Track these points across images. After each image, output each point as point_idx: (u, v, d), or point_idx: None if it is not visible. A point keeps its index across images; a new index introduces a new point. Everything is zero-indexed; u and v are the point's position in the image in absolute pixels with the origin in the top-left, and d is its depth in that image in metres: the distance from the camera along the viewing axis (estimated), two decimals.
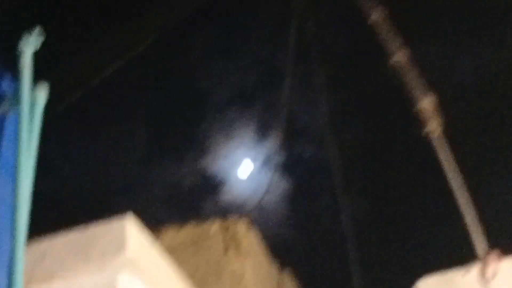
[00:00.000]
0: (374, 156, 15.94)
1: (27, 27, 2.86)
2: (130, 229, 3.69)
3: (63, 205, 15.67)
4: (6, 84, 2.88)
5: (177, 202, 18.56)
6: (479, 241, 5.30)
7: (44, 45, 2.85)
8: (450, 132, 6.55)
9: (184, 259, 6.77)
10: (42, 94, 2.79)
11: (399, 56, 7.14)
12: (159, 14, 8.62)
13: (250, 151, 16.91)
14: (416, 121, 6.77)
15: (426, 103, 6.69)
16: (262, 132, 17.67)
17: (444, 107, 6.77)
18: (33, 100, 2.76)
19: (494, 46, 14.51)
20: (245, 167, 13.99)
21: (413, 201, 14.73)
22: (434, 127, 6.50)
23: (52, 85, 2.83)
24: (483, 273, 4.78)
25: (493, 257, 4.92)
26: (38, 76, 2.83)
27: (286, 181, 16.57)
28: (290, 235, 16.93)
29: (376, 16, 7.52)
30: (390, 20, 7.50)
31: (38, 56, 2.84)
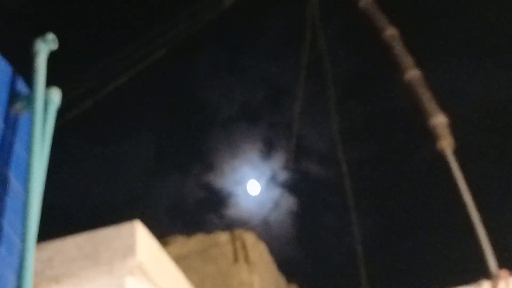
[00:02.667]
0: (383, 174, 15.88)
1: (41, 34, 2.86)
2: (140, 234, 3.66)
3: (68, 215, 15.67)
4: (21, 85, 2.87)
5: (182, 215, 18.54)
6: (490, 258, 5.25)
7: (52, 56, 2.85)
8: (461, 152, 6.51)
9: (193, 267, 6.73)
10: (56, 95, 2.77)
11: (412, 74, 7.12)
12: (168, 30, 8.66)
13: (256, 168, 16.89)
14: (426, 139, 6.72)
15: (439, 121, 6.65)
16: (269, 149, 17.67)
17: (455, 128, 6.73)
18: (47, 101, 2.74)
19: (503, 70, 14.53)
20: (251, 183, 13.94)
21: (423, 218, 14.65)
22: (446, 144, 6.45)
23: (62, 95, 2.81)
24: None
25: (504, 274, 4.87)
26: (48, 85, 2.82)
27: (291, 198, 16.52)
28: (295, 251, 16.84)
29: (388, 34, 7.53)
30: (402, 41, 7.50)
31: (47, 66, 2.83)
